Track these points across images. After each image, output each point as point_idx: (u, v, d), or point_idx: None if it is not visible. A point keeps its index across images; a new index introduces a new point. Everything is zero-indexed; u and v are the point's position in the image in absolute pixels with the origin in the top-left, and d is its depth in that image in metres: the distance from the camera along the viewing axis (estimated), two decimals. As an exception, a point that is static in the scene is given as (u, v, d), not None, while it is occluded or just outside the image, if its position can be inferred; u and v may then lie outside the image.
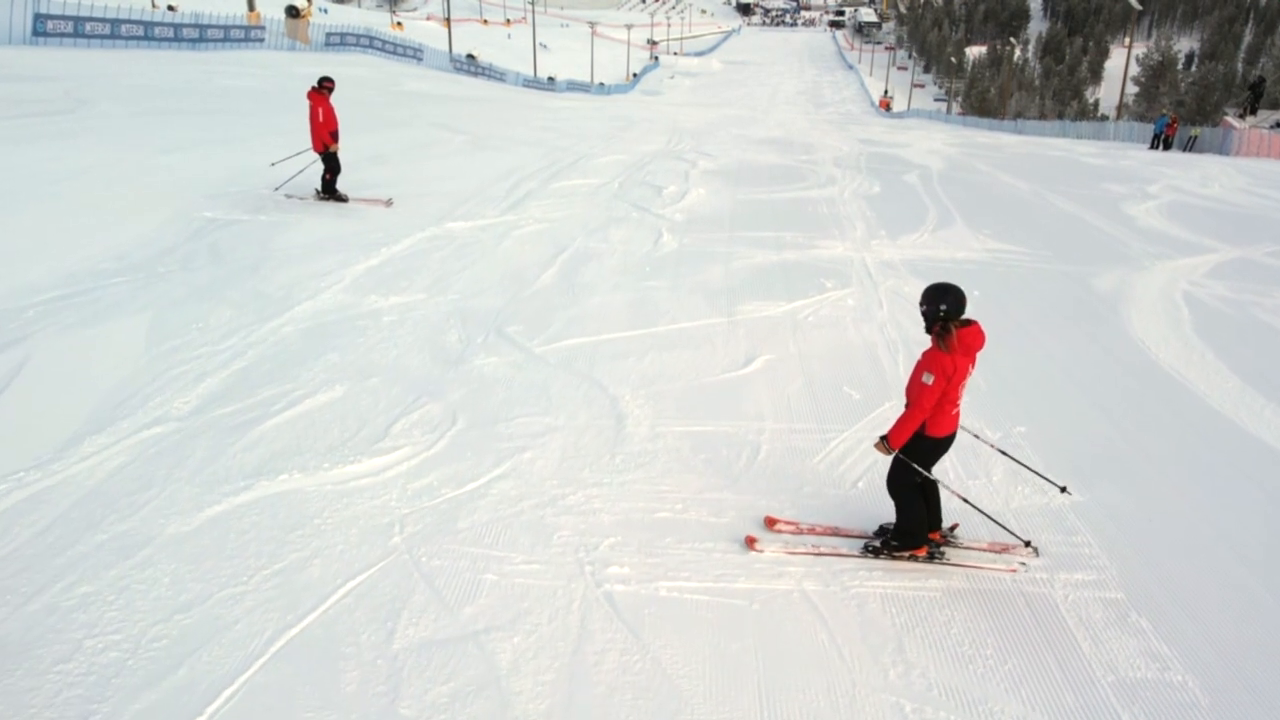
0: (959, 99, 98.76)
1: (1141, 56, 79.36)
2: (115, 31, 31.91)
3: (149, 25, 33.93)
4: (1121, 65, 67.43)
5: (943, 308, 4.28)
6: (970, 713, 3.73)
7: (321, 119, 11.49)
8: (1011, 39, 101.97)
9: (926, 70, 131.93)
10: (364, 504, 4.97)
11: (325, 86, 11.59)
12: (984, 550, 4.83)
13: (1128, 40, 63.73)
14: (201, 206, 10.97)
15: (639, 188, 15.90)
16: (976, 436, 5.24)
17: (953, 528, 4.90)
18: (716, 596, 4.35)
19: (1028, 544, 4.73)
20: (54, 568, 4.26)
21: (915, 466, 4.51)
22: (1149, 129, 37.08)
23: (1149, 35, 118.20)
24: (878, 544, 4.80)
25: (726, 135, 28.94)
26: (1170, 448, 6.31)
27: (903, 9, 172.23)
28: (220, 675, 3.67)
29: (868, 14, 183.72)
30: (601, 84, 76.66)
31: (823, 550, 4.77)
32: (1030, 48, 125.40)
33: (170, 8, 41.14)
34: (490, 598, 4.26)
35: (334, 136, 11.67)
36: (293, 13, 44.44)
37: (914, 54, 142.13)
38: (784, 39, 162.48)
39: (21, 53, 26.10)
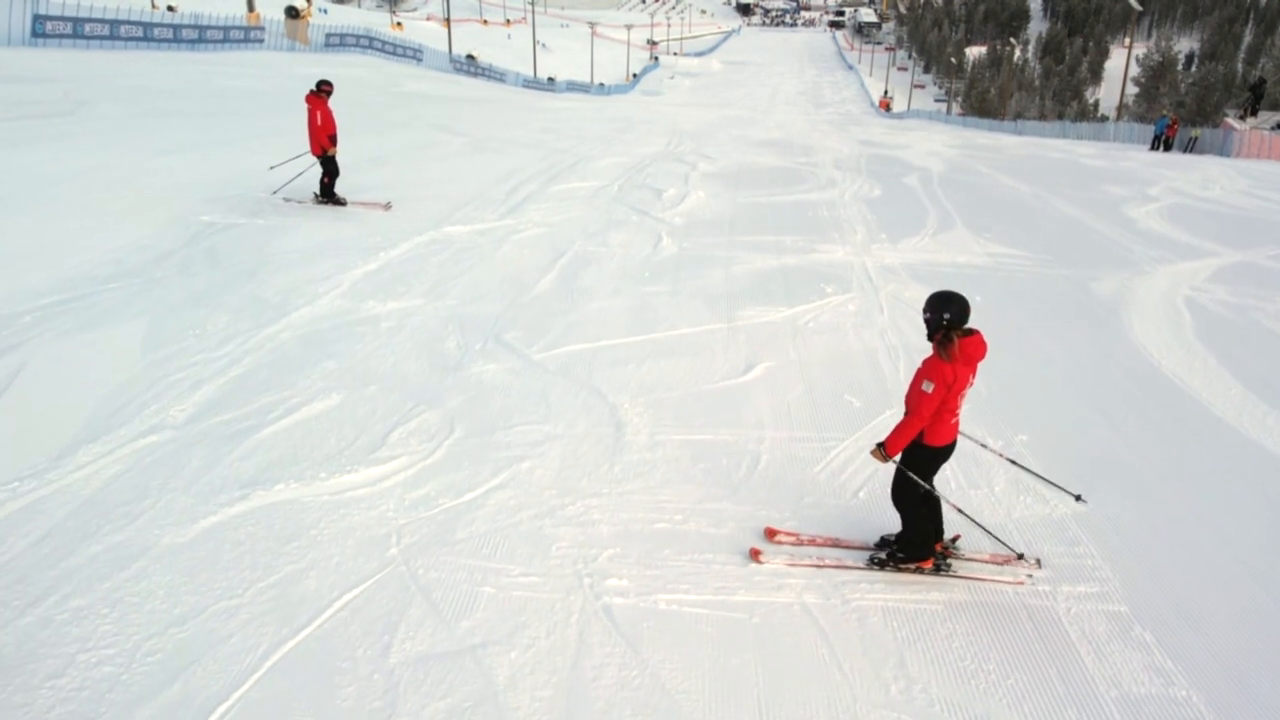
0: (959, 99, 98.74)
1: (1141, 57, 79.33)
2: (114, 32, 31.86)
3: (148, 26, 33.90)
4: (1121, 66, 67.41)
5: (946, 316, 4.24)
6: (972, 729, 3.69)
7: (320, 122, 11.45)
8: (1011, 39, 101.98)
9: (926, 70, 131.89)
10: (361, 515, 4.93)
11: (324, 90, 11.55)
12: (988, 562, 4.79)
13: (1128, 40, 63.70)
14: (199, 210, 10.93)
15: (638, 190, 15.86)
16: (983, 445, 5.20)
17: (955, 538, 4.86)
18: (716, 610, 4.32)
19: (1020, 556, 4.67)
20: (48, 580, 4.22)
21: (914, 478, 4.48)
22: (1149, 130, 37.06)
23: (1149, 35, 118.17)
24: (883, 556, 4.75)
25: (726, 137, 28.92)
26: (1173, 456, 6.27)
27: (903, 9, 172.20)
28: (215, 690, 3.63)
29: (868, 14, 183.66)
30: (601, 84, 76.62)
31: (823, 562, 4.74)
32: (1030, 48, 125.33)
33: (170, 8, 41.10)
34: (488, 611, 4.22)
35: (332, 140, 11.63)
36: (292, 13, 44.41)
37: (914, 54, 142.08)
38: (784, 39, 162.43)
39: (20, 54, 26.06)
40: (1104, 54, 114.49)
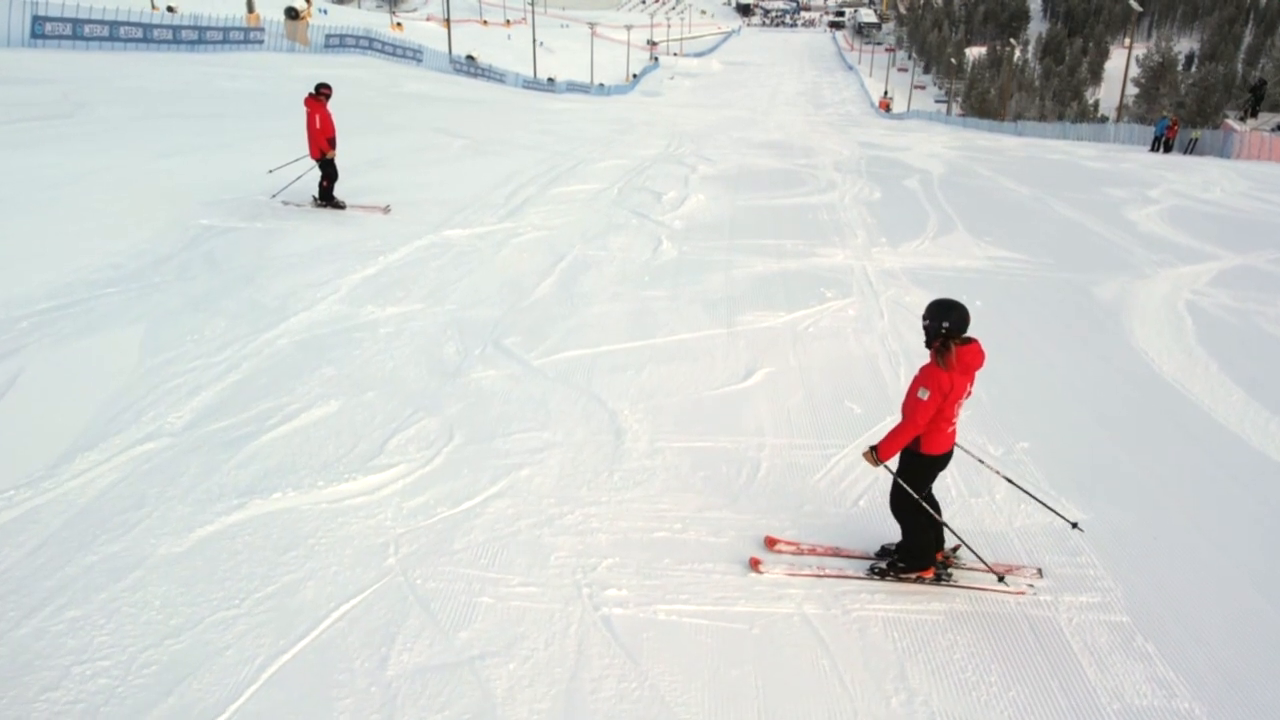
0: (959, 100, 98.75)
1: (1141, 57, 79.35)
2: (114, 34, 31.84)
3: (148, 27, 33.88)
4: (1121, 66, 67.41)
5: (945, 325, 4.22)
6: (974, 743, 3.67)
7: (319, 125, 11.43)
8: (1011, 40, 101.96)
9: (926, 71, 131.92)
10: (359, 523, 4.91)
11: (322, 93, 11.53)
12: (989, 571, 4.76)
13: (1128, 41, 63.70)
14: (198, 213, 10.91)
15: (638, 193, 15.84)
16: (980, 461, 5.16)
17: (955, 548, 4.84)
18: (716, 620, 4.29)
19: (1001, 579, 4.61)
20: (43, 590, 4.19)
21: (907, 489, 4.45)
22: (1149, 131, 37.08)
23: (1149, 36, 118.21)
24: (883, 566, 4.73)
25: (726, 138, 28.91)
26: (1174, 463, 6.25)
27: (902, 9, 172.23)
28: (211, 703, 3.60)
29: (867, 15, 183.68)
30: (601, 85, 76.60)
31: (824, 572, 4.71)
32: (1030, 48, 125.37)
33: (170, 9, 41.07)
34: (486, 622, 4.20)
35: (331, 143, 11.61)
36: (292, 14, 44.38)
37: (914, 55, 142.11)
38: (784, 40, 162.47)
39: (19, 55, 26.04)
40: (1104, 54, 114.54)
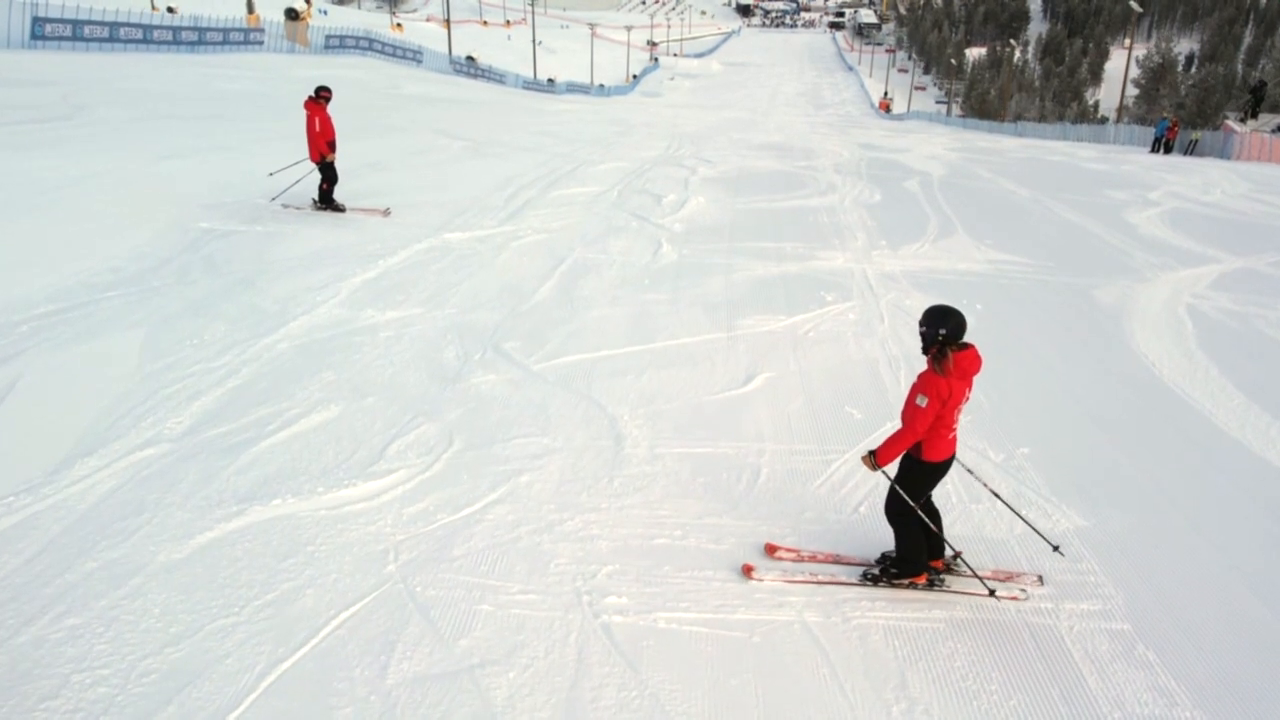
0: (959, 100, 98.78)
1: (1141, 58, 79.37)
2: (114, 35, 31.87)
3: (148, 28, 33.90)
4: (1121, 67, 67.41)
5: (942, 332, 4.22)
6: (975, 752, 3.66)
7: (319, 128, 11.43)
8: (1011, 40, 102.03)
9: (926, 72, 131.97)
10: (358, 530, 4.90)
11: (322, 96, 11.53)
12: (987, 578, 4.75)
13: (1128, 42, 63.73)
14: (198, 216, 10.90)
15: (638, 196, 15.84)
16: (970, 471, 5.13)
17: (955, 556, 4.83)
18: (716, 628, 4.28)
19: (991, 593, 4.60)
20: (43, 598, 4.19)
21: (904, 496, 4.45)
22: (1149, 132, 37.11)
23: (1149, 37, 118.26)
24: (876, 571, 4.73)
25: (726, 140, 28.92)
26: (1175, 469, 6.24)
27: (902, 10, 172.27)
28: (211, 711, 3.59)
29: (867, 15, 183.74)
30: (601, 85, 76.62)
31: (823, 579, 4.70)
32: (1030, 49, 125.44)
33: (170, 10, 41.08)
34: (486, 629, 4.19)
35: (331, 146, 11.61)
36: (292, 15, 44.39)
37: (914, 55, 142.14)
38: (784, 40, 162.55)
39: (19, 56, 26.06)
40: (1104, 55, 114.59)
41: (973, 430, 6.55)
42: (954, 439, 4.45)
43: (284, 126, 17.06)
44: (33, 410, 5.92)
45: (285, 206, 11.90)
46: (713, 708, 3.80)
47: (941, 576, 4.73)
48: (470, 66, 57.50)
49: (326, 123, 11.50)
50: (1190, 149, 32.97)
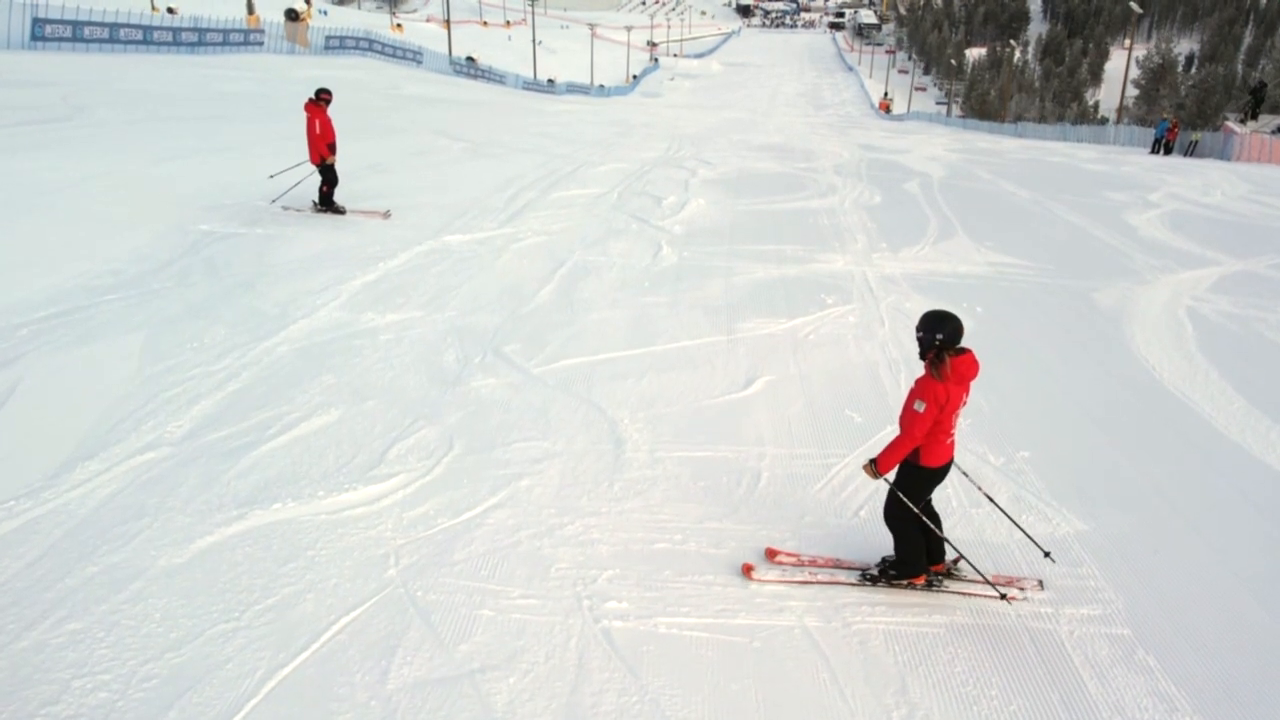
0: (959, 101, 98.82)
1: (1141, 59, 79.39)
2: (114, 36, 31.87)
3: (148, 29, 33.91)
4: (1121, 67, 67.44)
5: (939, 336, 4.23)
6: (975, 758, 3.66)
7: (319, 131, 11.43)
8: (1011, 41, 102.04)
9: (926, 72, 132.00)
10: (359, 534, 4.90)
11: (323, 98, 11.53)
12: (992, 587, 4.75)
13: (1128, 42, 63.74)
14: (198, 218, 10.90)
15: (638, 198, 15.84)
16: (966, 475, 5.13)
17: (956, 561, 4.83)
18: (716, 633, 4.29)
19: (1003, 596, 4.61)
20: (44, 602, 4.19)
21: (907, 502, 4.45)
22: (1149, 133, 37.12)
23: (1149, 37, 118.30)
24: (875, 572, 4.74)
25: (726, 141, 28.92)
26: (1175, 473, 6.24)
27: (902, 10, 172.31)
28: (211, 717, 3.60)
29: (868, 16, 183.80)
30: (601, 86, 76.62)
31: (823, 579, 4.71)
32: (1030, 49, 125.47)
33: (170, 10, 41.09)
34: (486, 634, 4.19)
35: (331, 148, 11.61)
36: (292, 16, 44.41)
37: (914, 56, 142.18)
38: (784, 41, 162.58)
39: (19, 58, 26.06)
40: (1104, 55, 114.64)
41: (972, 433, 6.55)
42: (952, 444, 4.46)
43: (284, 128, 17.05)
44: (33, 414, 5.92)
45: (285, 209, 11.90)
46: (713, 713, 3.80)
47: (941, 579, 4.73)
48: (470, 67, 57.52)
49: (327, 125, 11.50)
50: (1190, 150, 32.98)
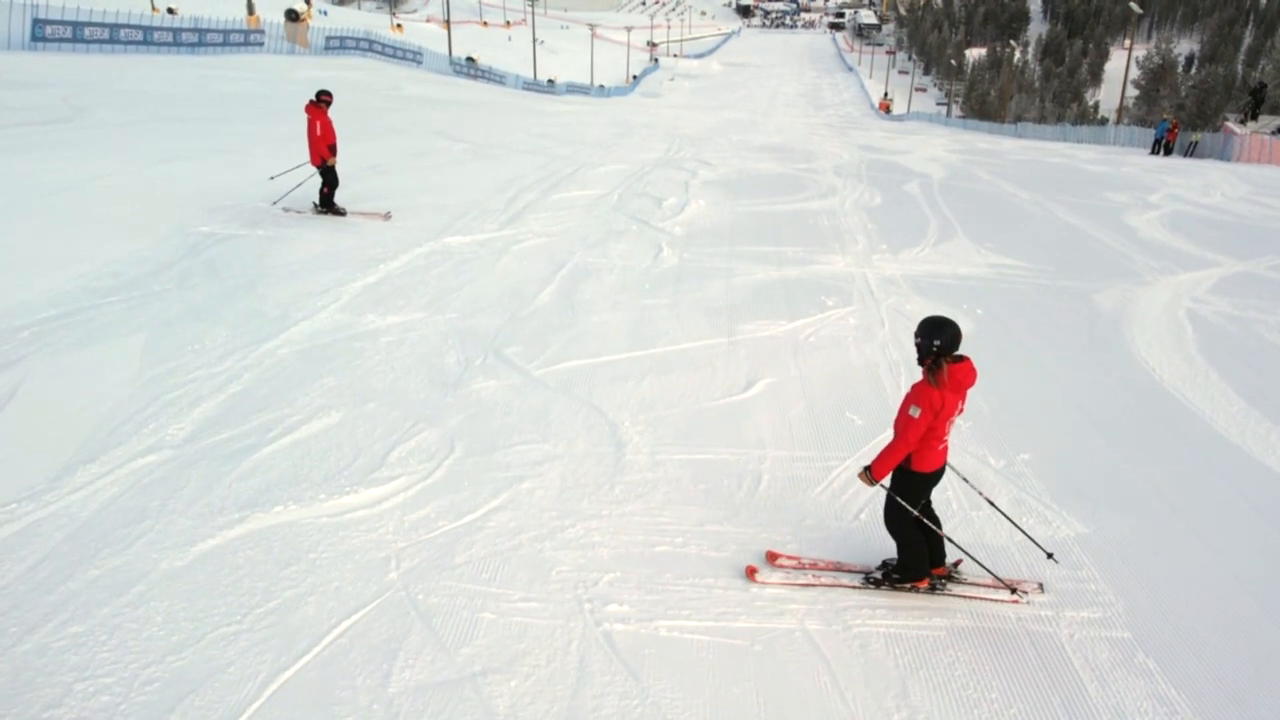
0: (959, 101, 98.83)
1: (1141, 59, 79.38)
2: (114, 36, 31.87)
3: (148, 30, 33.91)
4: (1121, 67, 67.45)
5: (937, 343, 4.23)
6: (975, 762, 3.67)
7: (319, 132, 11.43)
8: (1011, 41, 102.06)
9: (926, 72, 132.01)
10: (360, 537, 4.91)
11: (323, 100, 11.53)
12: (988, 585, 4.76)
13: (1128, 42, 63.76)
14: (199, 220, 10.91)
15: (638, 199, 15.84)
16: (966, 480, 5.14)
17: (957, 564, 4.84)
18: (717, 636, 4.29)
19: (1014, 591, 4.63)
20: (45, 605, 4.20)
21: (905, 505, 4.46)
22: (1149, 134, 37.12)
23: (1149, 37, 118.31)
24: (878, 575, 4.75)
25: (726, 141, 28.92)
26: (1176, 475, 6.24)
27: (902, 11, 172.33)
28: (213, 721, 3.60)
29: (868, 16, 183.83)
30: (601, 86, 76.61)
31: (820, 581, 4.72)
32: (1030, 50, 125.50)
33: (170, 11, 41.10)
34: (488, 638, 4.20)
35: (332, 150, 11.61)
36: (292, 16, 44.40)
37: (914, 56, 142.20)
38: (784, 41, 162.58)
39: (19, 58, 26.06)
40: (1104, 56, 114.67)
41: (973, 436, 6.56)
42: (945, 449, 4.47)
43: (284, 129, 17.06)
44: (34, 416, 5.92)
45: (286, 210, 11.90)
46: (714, 716, 3.81)
47: (944, 581, 4.74)
48: (470, 67, 57.52)
49: (327, 126, 11.51)
50: (1190, 150, 32.99)
